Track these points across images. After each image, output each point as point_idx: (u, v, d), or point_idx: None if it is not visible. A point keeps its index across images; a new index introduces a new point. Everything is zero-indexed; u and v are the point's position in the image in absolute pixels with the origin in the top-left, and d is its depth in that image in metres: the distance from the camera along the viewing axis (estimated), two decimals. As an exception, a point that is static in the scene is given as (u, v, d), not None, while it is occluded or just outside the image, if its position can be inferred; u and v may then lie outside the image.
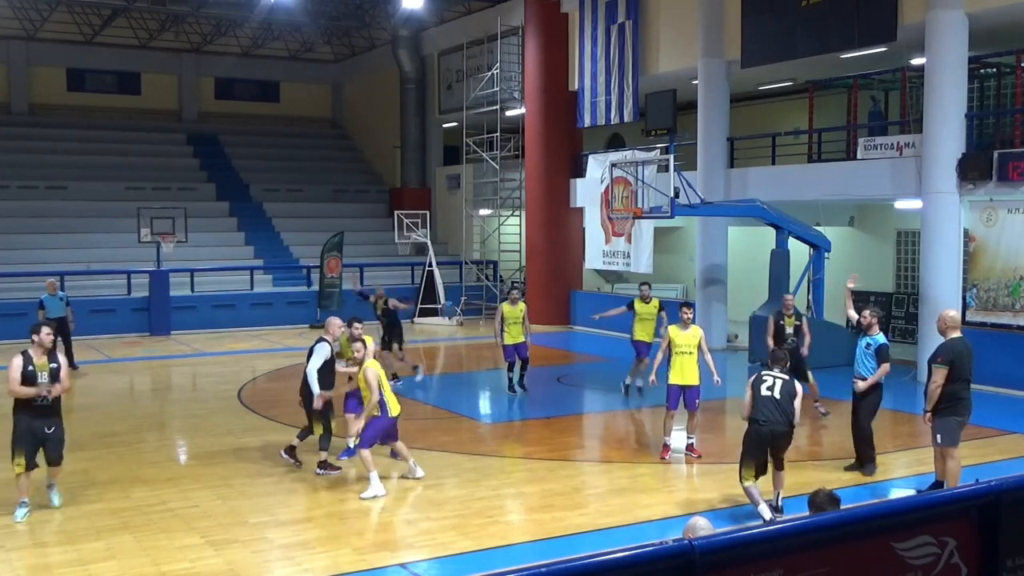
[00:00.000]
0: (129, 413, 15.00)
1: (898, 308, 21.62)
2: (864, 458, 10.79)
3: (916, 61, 18.12)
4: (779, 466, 9.31)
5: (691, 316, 11.87)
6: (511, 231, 28.72)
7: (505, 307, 15.57)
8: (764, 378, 9.18)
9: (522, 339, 15.51)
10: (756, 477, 9.03)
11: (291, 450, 11.06)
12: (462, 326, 25.41)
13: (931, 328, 16.41)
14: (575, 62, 24.24)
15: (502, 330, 15.46)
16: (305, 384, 10.84)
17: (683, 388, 11.45)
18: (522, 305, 15.72)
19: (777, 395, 9.03)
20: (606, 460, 11.92)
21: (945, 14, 16.03)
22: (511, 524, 9.34)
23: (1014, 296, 15.86)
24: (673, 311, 13.91)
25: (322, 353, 10.82)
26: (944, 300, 16.45)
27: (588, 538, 8.72)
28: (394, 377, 15.52)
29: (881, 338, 10.62)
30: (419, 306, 26.52)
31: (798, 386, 9.26)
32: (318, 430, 10.82)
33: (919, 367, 16.67)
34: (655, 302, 15.23)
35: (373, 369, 10.03)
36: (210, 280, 25.81)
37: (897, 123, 20.23)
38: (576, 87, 24.18)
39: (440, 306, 26.50)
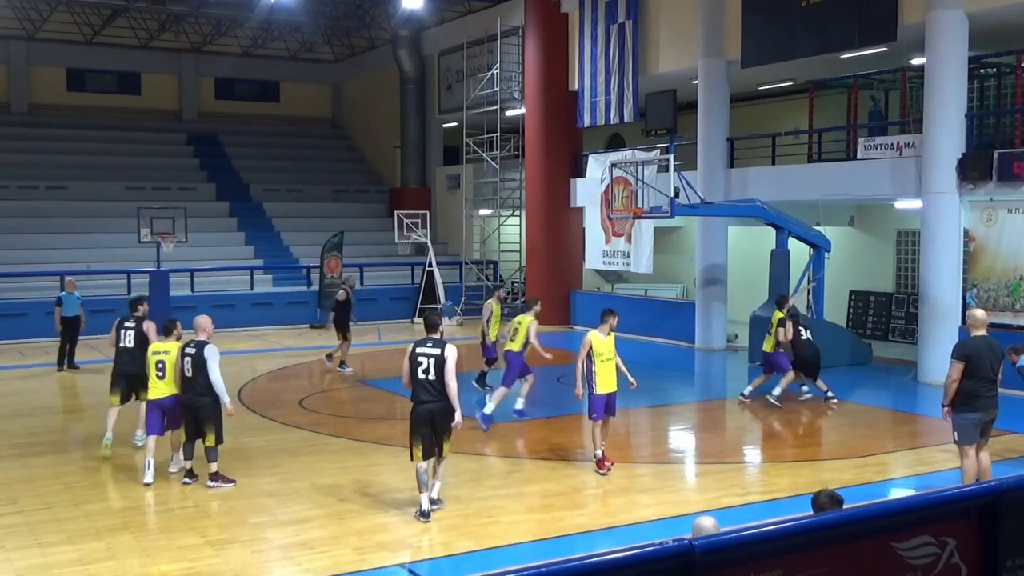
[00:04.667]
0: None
1: (898, 308, 21.62)
2: None
3: (916, 61, 18.12)
4: (440, 452, 9.25)
5: (615, 323, 10.95)
6: (511, 231, 28.73)
7: (494, 305, 15.53)
8: (419, 359, 9.12)
9: (495, 338, 15.52)
10: (425, 457, 9.05)
11: (190, 472, 10.43)
12: (462, 326, 25.39)
13: (931, 328, 16.50)
14: (575, 62, 24.24)
15: (489, 326, 15.44)
16: (205, 394, 10.26)
17: (609, 396, 10.78)
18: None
19: (432, 376, 9.05)
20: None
21: (945, 14, 16.03)
22: (511, 524, 9.32)
23: (1014, 296, 15.86)
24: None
25: (217, 356, 10.28)
26: (944, 300, 16.46)
27: (588, 538, 8.72)
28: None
29: None
30: (419, 306, 26.54)
31: (447, 351, 9.08)
32: (211, 440, 10.25)
33: (919, 367, 16.68)
34: None
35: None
36: (210, 280, 25.81)
37: (897, 123, 20.23)
38: (576, 87, 24.17)
39: (440, 306, 26.50)
